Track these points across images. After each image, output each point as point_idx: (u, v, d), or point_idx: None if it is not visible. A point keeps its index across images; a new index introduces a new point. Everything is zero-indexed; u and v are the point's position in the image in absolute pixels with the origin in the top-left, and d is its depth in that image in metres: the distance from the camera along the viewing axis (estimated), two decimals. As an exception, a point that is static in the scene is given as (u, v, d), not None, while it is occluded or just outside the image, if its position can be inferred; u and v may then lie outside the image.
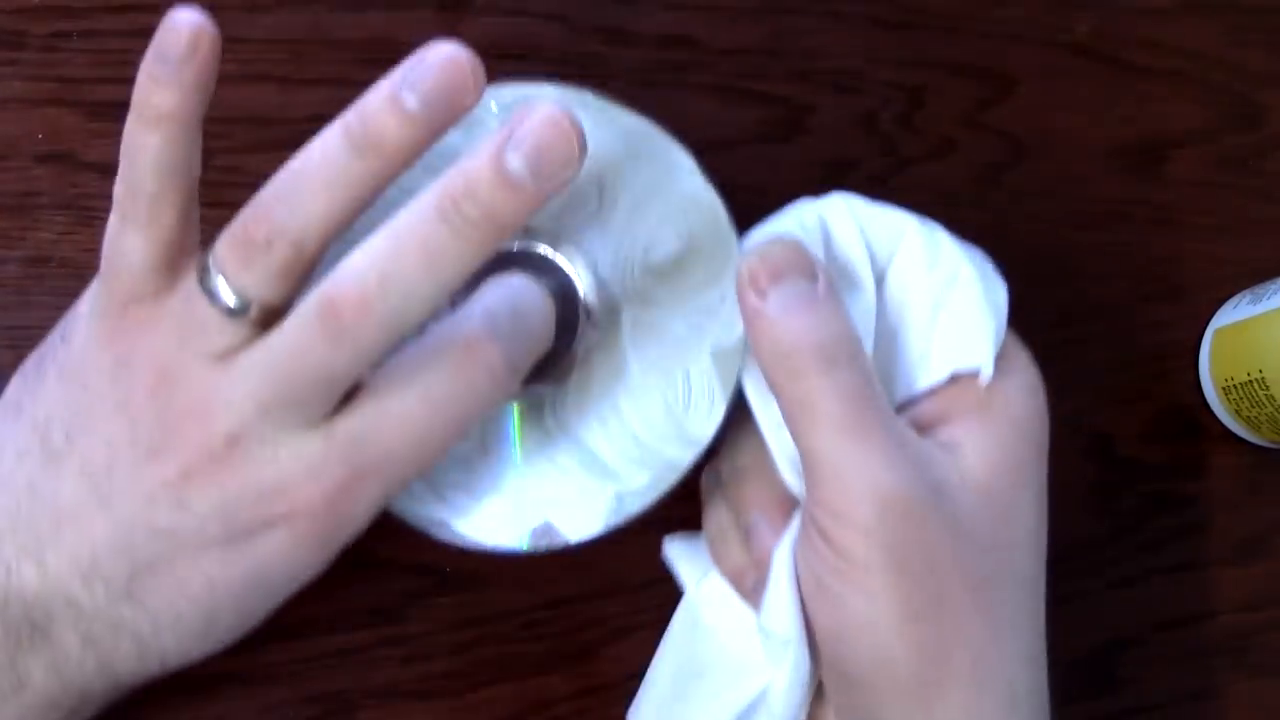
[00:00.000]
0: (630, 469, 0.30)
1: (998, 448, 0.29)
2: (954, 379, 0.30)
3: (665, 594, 0.36)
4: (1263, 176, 0.42)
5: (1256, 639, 0.39)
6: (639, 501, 0.30)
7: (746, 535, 0.31)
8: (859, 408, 0.27)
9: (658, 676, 0.33)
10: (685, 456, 0.30)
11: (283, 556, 0.27)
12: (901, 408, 0.30)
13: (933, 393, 0.30)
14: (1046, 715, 0.29)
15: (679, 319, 0.30)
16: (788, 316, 0.28)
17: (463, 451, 0.29)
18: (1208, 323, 0.41)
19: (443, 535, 0.30)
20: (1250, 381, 0.38)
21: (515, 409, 0.30)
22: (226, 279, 0.26)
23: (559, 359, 0.30)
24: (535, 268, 0.30)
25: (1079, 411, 0.39)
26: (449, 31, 0.37)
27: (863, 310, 0.30)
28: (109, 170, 0.35)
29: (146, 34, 0.35)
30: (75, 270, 0.34)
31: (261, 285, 0.26)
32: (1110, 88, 0.41)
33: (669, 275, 0.30)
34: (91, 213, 0.35)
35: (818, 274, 0.28)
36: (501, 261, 0.30)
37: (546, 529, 0.30)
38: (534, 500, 0.30)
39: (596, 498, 0.30)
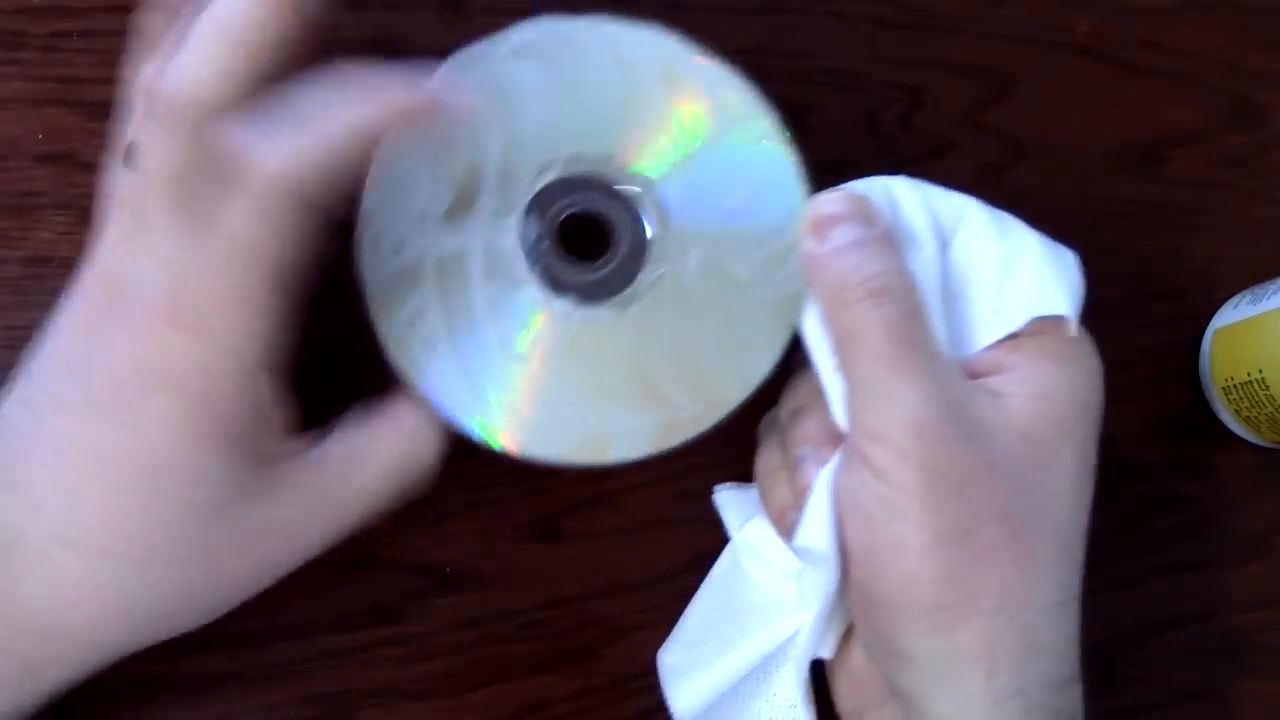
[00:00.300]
0: (683, 399, 0.30)
1: (1042, 399, 0.29)
2: (1025, 331, 0.30)
3: (665, 594, 0.36)
4: (1263, 176, 0.42)
5: (1256, 639, 0.39)
6: (688, 431, 0.30)
7: (794, 469, 0.31)
8: (901, 340, 0.29)
9: (693, 616, 0.34)
10: (737, 395, 0.30)
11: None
12: (962, 361, 0.31)
13: (992, 345, 0.31)
14: (1074, 667, 0.29)
15: (744, 263, 0.31)
16: (842, 254, 0.29)
17: (517, 366, 0.30)
18: (1208, 323, 0.41)
19: (493, 442, 0.30)
20: (1250, 381, 0.38)
21: (578, 327, 0.30)
22: None
23: (624, 285, 0.30)
24: (610, 194, 0.31)
25: (1079, 411, 0.39)
26: (449, 31, 0.37)
27: (924, 267, 0.31)
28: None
29: (146, 34, 0.36)
30: (75, 270, 0.34)
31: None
32: (1110, 88, 0.41)
33: (739, 220, 0.31)
34: (91, 213, 0.35)
35: (877, 222, 0.30)
36: (582, 185, 0.30)
37: (595, 446, 0.30)
38: (584, 417, 0.30)
39: (646, 421, 0.30)
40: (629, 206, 0.31)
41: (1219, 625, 0.39)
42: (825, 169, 0.39)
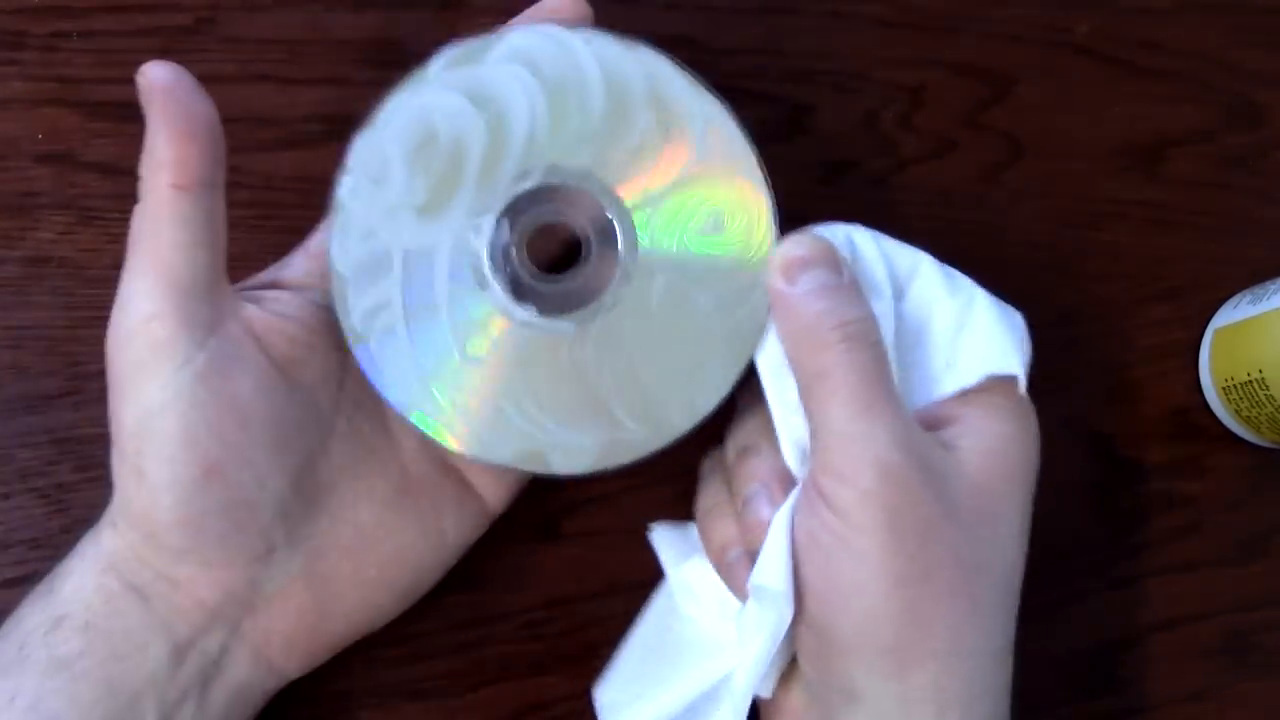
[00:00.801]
0: (631, 421, 0.30)
1: (993, 453, 0.30)
2: (976, 387, 0.31)
3: (665, 594, 0.36)
4: (1263, 176, 0.42)
5: (1256, 639, 0.39)
6: (632, 453, 0.30)
7: (744, 506, 0.31)
8: (871, 384, 0.29)
9: (629, 653, 0.34)
10: (685, 423, 0.30)
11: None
12: (916, 412, 0.31)
13: (942, 400, 0.31)
14: (1008, 711, 0.30)
15: (708, 294, 0.31)
16: (813, 297, 0.30)
17: (470, 367, 0.30)
18: (1208, 323, 0.41)
19: (439, 440, 0.30)
20: (1250, 381, 0.38)
21: (535, 337, 0.30)
22: None
23: (587, 301, 0.31)
24: (584, 209, 0.31)
25: (1079, 411, 0.39)
26: (448, 31, 0.37)
27: (883, 316, 0.31)
28: (109, 170, 0.35)
29: (147, 34, 0.36)
30: (75, 270, 0.34)
31: None
32: (1110, 88, 0.41)
33: (707, 250, 0.31)
34: (91, 213, 0.35)
35: (842, 269, 0.30)
36: (550, 195, 0.30)
37: (537, 454, 0.30)
38: (529, 426, 0.30)
39: (591, 438, 0.30)
40: (601, 223, 0.31)
41: (1219, 625, 0.39)
42: (825, 169, 0.39)
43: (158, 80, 0.28)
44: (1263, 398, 0.37)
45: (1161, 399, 0.40)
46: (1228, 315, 0.40)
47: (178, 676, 0.28)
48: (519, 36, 0.30)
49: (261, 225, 0.35)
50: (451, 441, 0.30)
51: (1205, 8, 0.42)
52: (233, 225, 0.35)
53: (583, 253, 0.31)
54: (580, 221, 0.31)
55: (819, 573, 0.29)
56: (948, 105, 0.40)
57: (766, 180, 0.31)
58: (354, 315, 0.29)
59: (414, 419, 0.30)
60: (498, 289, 0.30)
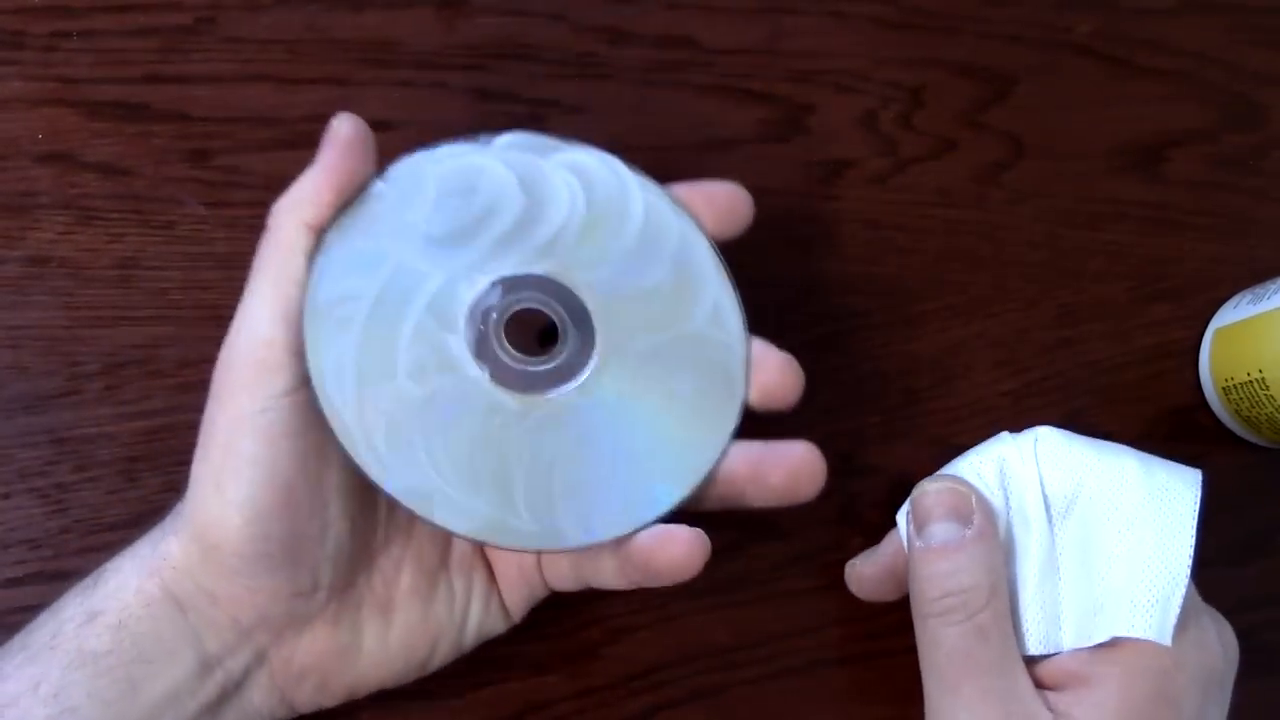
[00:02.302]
0: (526, 513, 0.30)
1: (1114, 705, 0.30)
2: (1115, 642, 0.31)
3: (665, 594, 0.36)
4: (1263, 176, 0.42)
5: (1256, 639, 0.39)
6: (517, 539, 0.30)
7: None
8: (961, 660, 0.30)
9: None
10: (574, 540, 0.30)
11: None
12: (1052, 656, 0.32)
13: (1077, 652, 0.31)
14: None
15: (648, 444, 0.31)
16: (930, 557, 0.31)
17: (403, 391, 0.30)
18: (1208, 323, 0.41)
19: (338, 439, 0.29)
20: (1250, 381, 0.38)
21: (475, 394, 0.30)
22: None
23: (538, 390, 0.31)
24: (574, 317, 0.31)
25: (1079, 411, 0.39)
26: (448, 31, 0.37)
27: (1032, 545, 0.32)
28: (109, 170, 0.35)
29: (146, 34, 0.36)
30: (75, 270, 0.34)
31: None
32: (1110, 88, 0.41)
33: (665, 417, 0.31)
34: (91, 213, 0.35)
35: (973, 518, 0.31)
36: (550, 289, 0.31)
37: (426, 499, 0.30)
38: (433, 469, 0.30)
39: (485, 507, 0.30)
40: (585, 335, 0.31)
41: (1219, 625, 0.39)
42: (825, 169, 0.39)
43: (343, 134, 0.29)
44: (1263, 398, 0.37)
45: (1161, 399, 0.40)
46: (1228, 315, 0.40)
47: (200, 690, 0.29)
48: (585, 154, 0.31)
49: (262, 225, 0.35)
50: (354, 450, 0.29)
51: (1205, 8, 0.42)
52: (233, 225, 0.35)
53: (555, 349, 0.31)
54: (565, 322, 0.31)
55: None
56: (948, 105, 0.40)
57: (748, 376, 0.31)
58: (321, 302, 0.29)
59: (321, 405, 0.29)
60: (464, 339, 0.30)
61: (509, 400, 0.30)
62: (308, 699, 0.31)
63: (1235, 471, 0.40)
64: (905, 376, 0.39)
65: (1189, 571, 0.31)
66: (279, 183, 0.33)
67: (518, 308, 0.31)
